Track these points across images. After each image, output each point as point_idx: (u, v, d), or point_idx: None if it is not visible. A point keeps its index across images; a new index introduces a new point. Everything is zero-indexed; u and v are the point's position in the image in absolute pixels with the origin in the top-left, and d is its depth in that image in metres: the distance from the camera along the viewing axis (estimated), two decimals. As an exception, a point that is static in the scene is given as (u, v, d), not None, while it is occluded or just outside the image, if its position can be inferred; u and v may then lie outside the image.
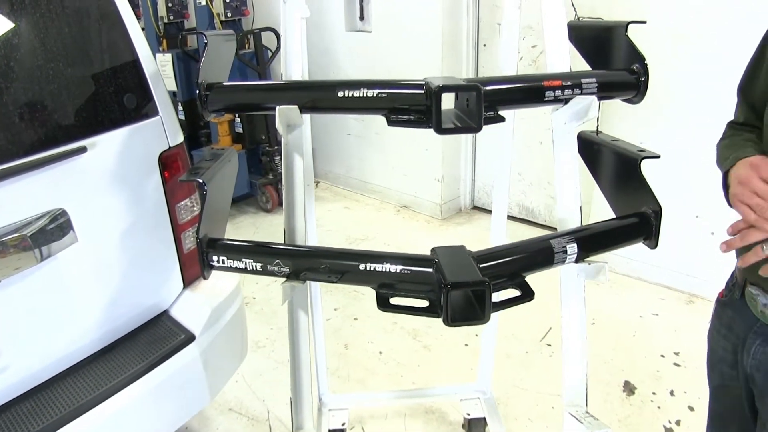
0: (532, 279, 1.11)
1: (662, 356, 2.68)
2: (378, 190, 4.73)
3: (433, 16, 3.86)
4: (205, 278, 1.20)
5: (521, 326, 2.88)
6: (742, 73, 1.20)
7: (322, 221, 4.27)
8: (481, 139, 4.25)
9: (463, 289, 1.02)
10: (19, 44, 1.41)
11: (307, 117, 1.52)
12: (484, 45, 4.01)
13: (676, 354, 2.69)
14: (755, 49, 1.16)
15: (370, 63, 4.34)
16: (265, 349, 2.85)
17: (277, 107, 1.15)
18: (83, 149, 1.49)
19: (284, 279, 1.16)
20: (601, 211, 1.24)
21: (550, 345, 2.80)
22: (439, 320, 1.02)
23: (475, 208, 4.50)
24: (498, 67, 1.71)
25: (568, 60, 1.29)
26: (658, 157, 1.16)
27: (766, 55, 1.12)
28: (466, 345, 2.82)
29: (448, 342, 2.86)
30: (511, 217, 4.03)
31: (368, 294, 3.32)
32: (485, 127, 1.08)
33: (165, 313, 1.82)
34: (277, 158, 4.39)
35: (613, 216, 1.29)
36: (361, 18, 4.32)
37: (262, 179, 4.46)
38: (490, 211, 2.06)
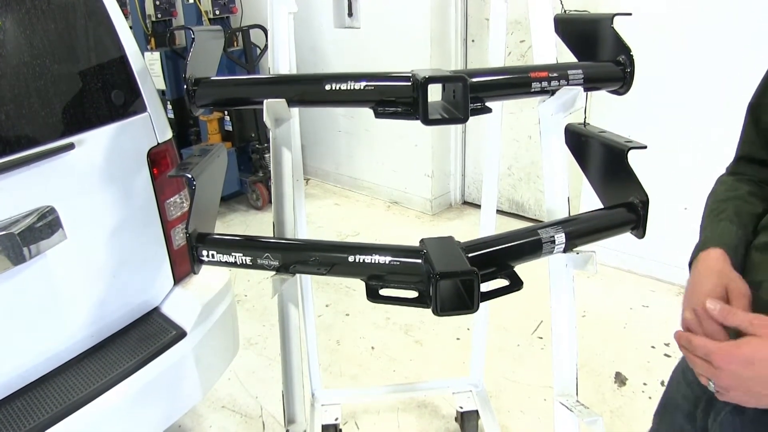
0: (522, 274, 1.12)
1: (653, 347, 2.71)
2: (368, 186, 4.73)
3: (422, 12, 3.86)
4: (195, 273, 1.20)
5: (513, 320, 2.90)
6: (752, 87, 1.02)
7: (313, 218, 4.27)
8: (470, 134, 4.26)
9: (451, 278, 1.02)
10: (4, 40, 1.40)
11: (295, 111, 1.52)
12: (473, 41, 4.02)
13: (667, 345, 2.71)
14: None
15: (358, 60, 4.34)
16: (257, 347, 2.85)
17: (265, 101, 1.15)
18: (71, 146, 1.48)
19: (274, 273, 1.16)
20: (589, 206, 1.25)
21: (541, 338, 2.82)
22: (432, 315, 1.03)
23: (465, 203, 4.51)
24: (486, 62, 1.71)
25: (555, 52, 1.30)
26: (645, 147, 1.17)
27: None
28: (458, 339, 2.83)
29: (440, 336, 2.87)
30: (500, 212, 4.04)
31: (359, 290, 3.33)
32: (475, 122, 1.09)
33: (156, 310, 1.81)
34: (267, 156, 4.38)
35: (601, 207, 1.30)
36: (350, 14, 4.32)
37: (252, 177, 4.45)
38: (480, 206, 2.07)
